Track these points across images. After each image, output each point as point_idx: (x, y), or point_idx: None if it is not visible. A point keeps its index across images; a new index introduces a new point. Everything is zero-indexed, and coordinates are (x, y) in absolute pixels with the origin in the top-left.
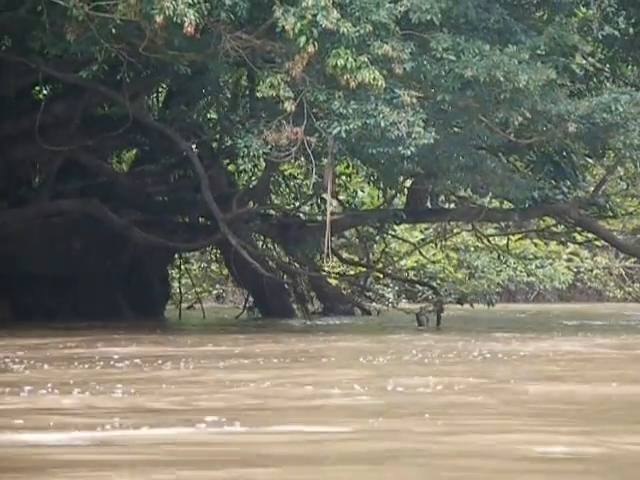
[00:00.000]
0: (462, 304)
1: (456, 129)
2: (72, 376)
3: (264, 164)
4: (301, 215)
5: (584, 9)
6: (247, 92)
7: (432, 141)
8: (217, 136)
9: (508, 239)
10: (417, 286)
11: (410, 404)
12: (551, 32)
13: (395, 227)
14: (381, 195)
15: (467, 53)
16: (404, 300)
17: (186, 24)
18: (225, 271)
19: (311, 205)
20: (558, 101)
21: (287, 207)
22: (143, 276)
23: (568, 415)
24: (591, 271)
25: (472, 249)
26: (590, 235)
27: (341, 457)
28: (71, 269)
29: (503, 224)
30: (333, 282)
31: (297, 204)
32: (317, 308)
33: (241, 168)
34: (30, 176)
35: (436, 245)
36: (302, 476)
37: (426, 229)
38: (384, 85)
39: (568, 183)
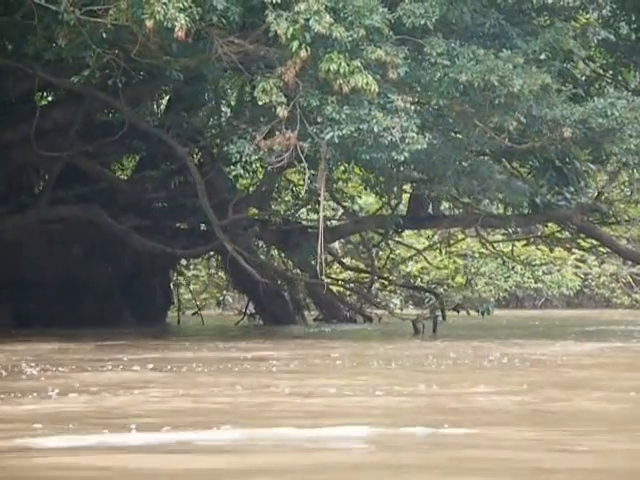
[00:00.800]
0: (458, 312)
1: (452, 134)
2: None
3: (263, 170)
4: (303, 222)
5: (586, 15)
6: (249, 98)
7: (426, 146)
8: (217, 142)
9: (513, 245)
10: (422, 292)
11: None
12: (547, 37)
13: (402, 234)
14: (379, 201)
15: (461, 58)
16: (411, 306)
17: (177, 28)
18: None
19: (308, 211)
20: (554, 106)
21: (287, 213)
22: (145, 282)
23: None
24: (599, 278)
25: (477, 255)
26: (594, 242)
27: None
28: (71, 275)
29: (511, 230)
30: (335, 289)
31: (295, 210)
32: (318, 315)
33: (234, 174)
34: (30, 182)
35: (441, 252)
36: None
37: (433, 235)
38: (377, 90)
39: (571, 189)
